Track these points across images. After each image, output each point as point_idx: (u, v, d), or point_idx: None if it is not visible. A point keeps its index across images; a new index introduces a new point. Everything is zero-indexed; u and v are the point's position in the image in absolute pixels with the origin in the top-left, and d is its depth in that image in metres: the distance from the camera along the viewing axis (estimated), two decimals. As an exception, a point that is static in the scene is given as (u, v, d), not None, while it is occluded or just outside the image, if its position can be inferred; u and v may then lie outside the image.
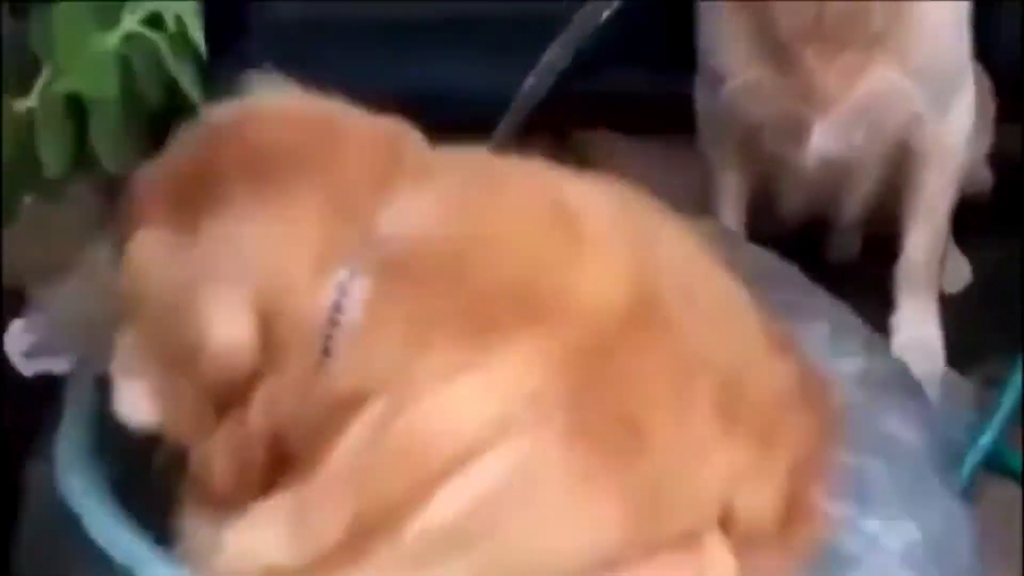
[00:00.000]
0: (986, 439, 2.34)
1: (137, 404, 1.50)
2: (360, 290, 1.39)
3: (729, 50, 2.34)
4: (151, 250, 1.47)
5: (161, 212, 1.47)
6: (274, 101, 1.56)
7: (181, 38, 1.50)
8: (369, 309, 1.37)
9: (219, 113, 1.57)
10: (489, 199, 1.43)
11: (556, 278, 1.38)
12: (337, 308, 1.38)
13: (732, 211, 2.57)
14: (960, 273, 2.77)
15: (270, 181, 1.42)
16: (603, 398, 1.34)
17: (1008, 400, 2.36)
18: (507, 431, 1.33)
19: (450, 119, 3.10)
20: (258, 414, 1.41)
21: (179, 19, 1.50)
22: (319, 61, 3.06)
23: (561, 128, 3.08)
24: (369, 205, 1.41)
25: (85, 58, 1.47)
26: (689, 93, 2.56)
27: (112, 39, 1.48)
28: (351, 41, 3.36)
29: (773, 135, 2.43)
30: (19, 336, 2.31)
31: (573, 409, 1.34)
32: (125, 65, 1.51)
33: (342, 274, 1.39)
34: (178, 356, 1.41)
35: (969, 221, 2.70)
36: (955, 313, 2.63)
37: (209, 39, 3.18)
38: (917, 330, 2.56)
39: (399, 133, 1.51)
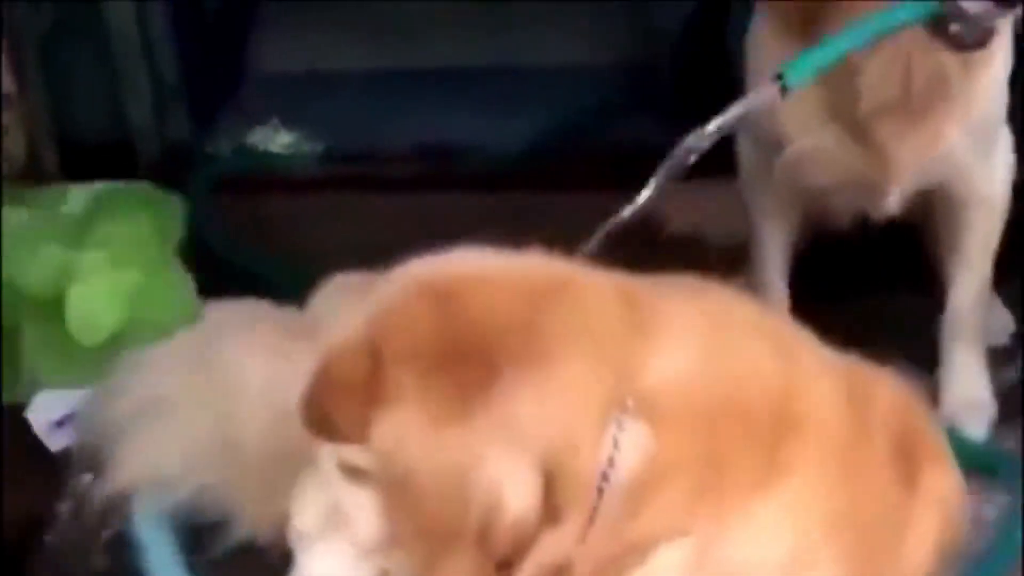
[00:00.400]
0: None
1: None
2: (635, 441, 1.51)
3: (794, 115, 2.27)
4: (409, 430, 1.49)
5: (412, 390, 1.49)
6: (481, 260, 1.61)
7: None
8: (650, 458, 1.51)
9: (427, 274, 1.58)
10: (730, 338, 1.61)
11: (800, 396, 1.61)
12: (611, 461, 1.50)
13: (776, 261, 2.51)
14: (1003, 324, 2.66)
15: (531, 348, 1.49)
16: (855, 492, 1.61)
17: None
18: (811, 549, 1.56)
19: (446, 169, 3.11)
20: (533, 565, 1.50)
21: None
22: (317, 112, 3.19)
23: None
24: (631, 358, 1.53)
25: None
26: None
27: None
28: (349, 91, 3.33)
29: (839, 196, 2.42)
30: (44, 408, 2.30)
31: (847, 516, 1.61)
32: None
33: (614, 428, 1.50)
34: (453, 529, 1.47)
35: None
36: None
37: (209, 91, 3.17)
38: (966, 387, 2.49)
39: (623, 282, 1.62)
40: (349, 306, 1.64)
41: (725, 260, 2.57)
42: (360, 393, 1.50)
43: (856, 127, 2.23)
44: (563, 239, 2.76)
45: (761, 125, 2.32)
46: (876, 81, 2.16)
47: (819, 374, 1.66)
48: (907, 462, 1.74)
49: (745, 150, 2.45)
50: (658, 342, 1.55)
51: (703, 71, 3.10)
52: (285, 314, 2.10)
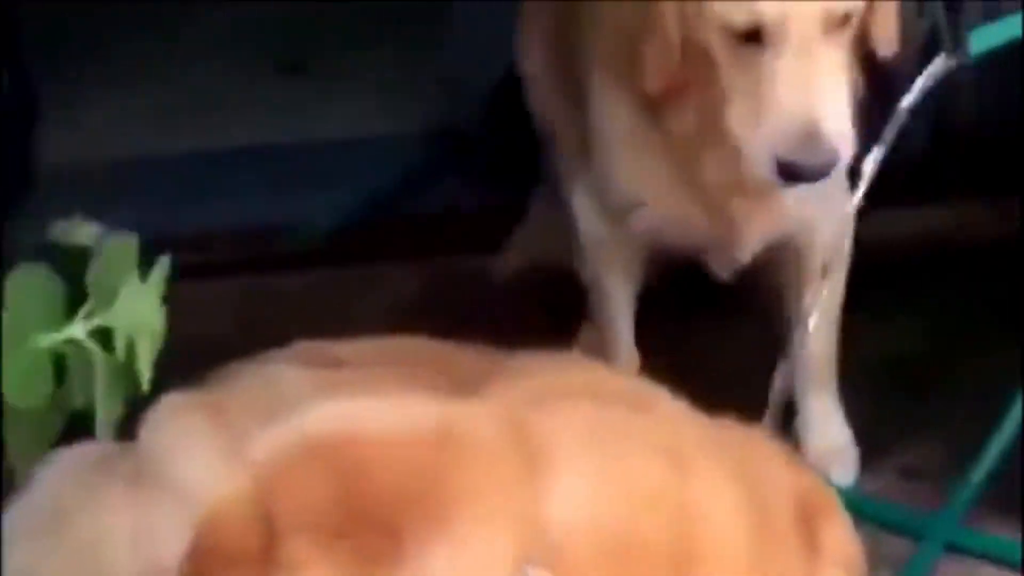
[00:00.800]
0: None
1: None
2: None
3: (646, 183, 2.26)
4: None
5: (311, 563, 1.46)
6: (368, 413, 1.59)
7: (125, 365, 1.30)
8: None
9: (316, 432, 1.55)
10: (622, 456, 1.61)
11: (700, 516, 1.63)
12: None
13: (625, 319, 2.46)
14: None
15: (431, 513, 1.49)
16: None
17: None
18: None
19: (263, 250, 3.01)
20: None
21: (131, 346, 1.34)
22: (122, 201, 3.06)
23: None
24: (530, 505, 1.53)
25: (20, 359, 1.26)
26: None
27: (51, 340, 1.28)
28: (151, 177, 3.22)
29: (689, 253, 2.40)
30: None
31: None
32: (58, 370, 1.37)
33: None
34: None
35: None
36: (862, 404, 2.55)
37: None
38: (828, 436, 2.47)
39: (506, 406, 1.62)
40: (190, 439, 1.60)
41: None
42: (254, 565, 1.46)
43: (706, 197, 2.22)
44: (388, 307, 2.82)
45: (611, 188, 2.29)
46: (718, 163, 2.15)
47: (713, 478, 1.66)
48: (807, 526, 1.74)
49: (585, 210, 2.39)
50: (553, 478, 1.56)
51: (513, 133, 3.04)
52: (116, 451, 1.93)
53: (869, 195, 2.32)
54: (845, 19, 2.01)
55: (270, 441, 1.55)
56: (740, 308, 2.69)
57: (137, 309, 1.30)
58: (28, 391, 1.33)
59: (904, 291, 2.82)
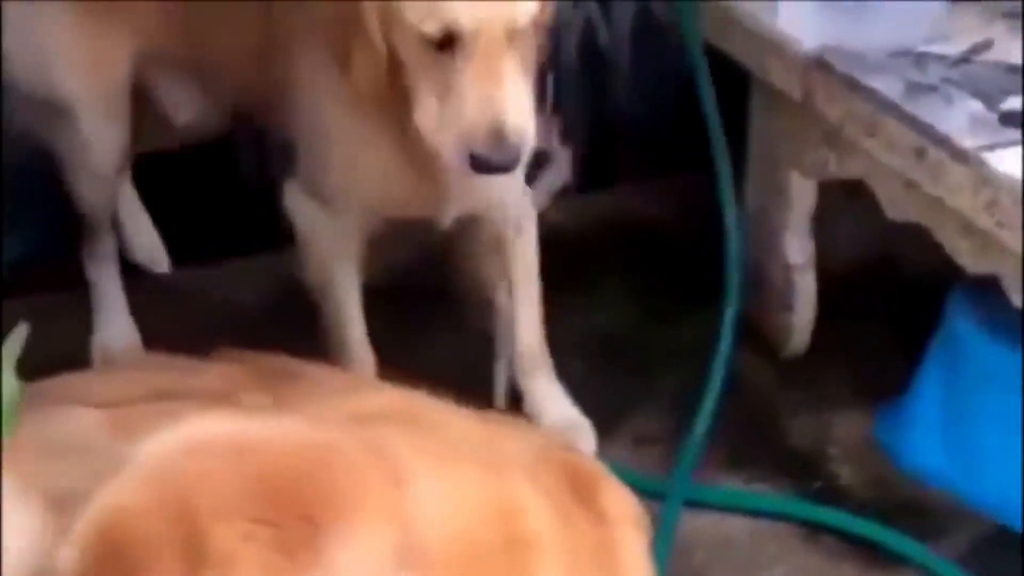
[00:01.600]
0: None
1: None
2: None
3: (367, 170, 2.32)
4: None
5: (242, 543, 1.48)
6: (248, 424, 1.61)
7: None
8: None
9: (209, 433, 1.57)
10: (455, 465, 1.71)
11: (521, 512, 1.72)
12: None
13: (357, 319, 2.50)
14: None
15: (338, 507, 1.53)
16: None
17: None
18: None
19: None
20: None
21: None
22: None
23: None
24: (402, 513, 1.59)
25: None
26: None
27: None
28: None
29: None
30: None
31: None
32: None
33: None
34: None
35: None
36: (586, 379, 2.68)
37: None
38: (560, 412, 2.59)
39: (364, 433, 1.66)
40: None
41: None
42: (177, 562, 1.45)
43: (424, 172, 2.29)
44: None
45: (329, 178, 2.35)
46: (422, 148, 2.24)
47: (512, 472, 1.75)
48: (586, 497, 1.83)
49: (301, 209, 2.41)
50: (411, 486, 1.61)
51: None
52: None
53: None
54: (524, 28, 2.13)
55: (162, 445, 1.54)
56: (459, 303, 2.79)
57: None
58: None
59: (598, 272, 2.96)
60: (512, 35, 2.10)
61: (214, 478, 1.51)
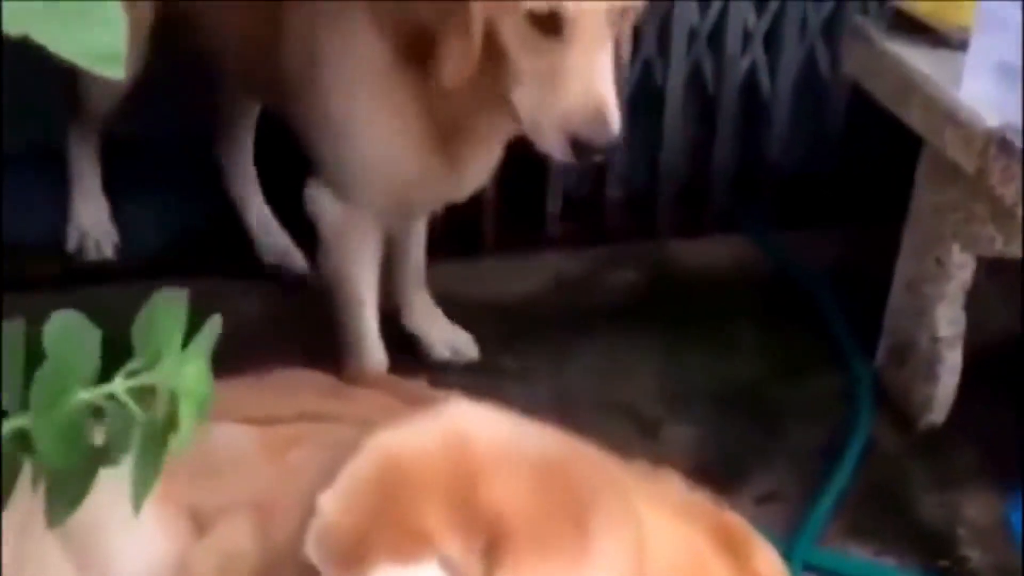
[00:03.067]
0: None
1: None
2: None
3: (405, 157, 2.35)
4: None
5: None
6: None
7: (164, 427, 1.22)
8: None
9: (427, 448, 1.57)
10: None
11: None
12: None
13: (373, 315, 2.55)
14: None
15: (577, 529, 1.53)
16: None
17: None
18: None
19: None
20: None
21: (172, 400, 1.21)
22: None
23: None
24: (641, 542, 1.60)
25: (56, 416, 1.17)
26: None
27: (90, 395, 1.18)
28: None
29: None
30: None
31: None
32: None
33: None
34: None
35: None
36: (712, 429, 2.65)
37: None
38: (438, 323, 2.79)
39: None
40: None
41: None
42: (453, 502, 1.50)
43: (445, 153, 2.34)
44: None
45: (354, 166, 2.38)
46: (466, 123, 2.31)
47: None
48: (735, 559, 1.79)
49: (326, 205, 2.42)
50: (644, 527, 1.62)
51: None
52: None
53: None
54: (623, 14, 2.17)
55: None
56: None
57: (183, 370, 1.24)
58: (64, 449, 1.25)
59: (732, 318, 2.94)
60: (611, 22, 2.13)
61: (495, 445, 1.53)
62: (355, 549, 1.51)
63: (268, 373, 2.02)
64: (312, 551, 1.53)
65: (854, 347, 2.82)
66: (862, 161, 3.23)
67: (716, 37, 3.11)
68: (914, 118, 2.51)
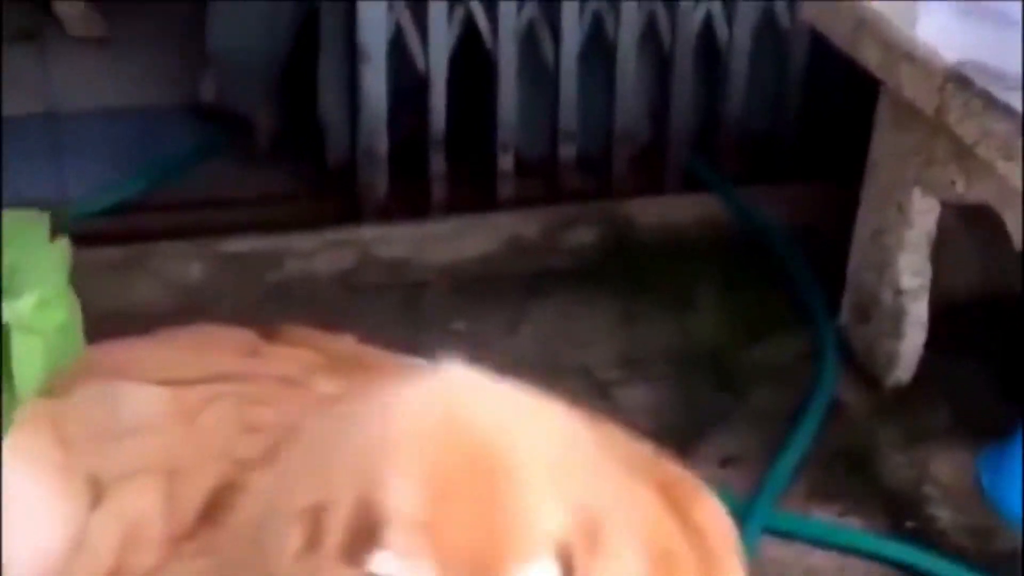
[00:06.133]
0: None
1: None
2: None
3: None
4: None
5: None
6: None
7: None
8: None
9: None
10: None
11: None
12: None
13: None
14: None
15: None
16: None
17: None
18: None
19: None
20: None
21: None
22: None
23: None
24: None
25: None
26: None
27: None
28: None
29: None
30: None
31: None
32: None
33: None
34: None
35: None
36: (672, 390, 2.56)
37: None
38: None
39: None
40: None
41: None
42: None
43: None
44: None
45: None
46: None
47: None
48: (682, 511, 1.71)
49: None
50: None
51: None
52: None
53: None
54: None
55: None
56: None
57: (45, 281, 1.15)
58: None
59: (694, 278, 2.83)
60: None
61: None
62: (485, 562, 1.40)
63: (182, 330, 1.92)
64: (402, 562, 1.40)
65: (819, 304, 2.71)
66: (824, 116, 3.12)
67: (668, -14, 3.01)
68: (871, 59, 2.39)
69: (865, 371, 2.58)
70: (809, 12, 2.61)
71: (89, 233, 2.71)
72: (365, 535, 1.38)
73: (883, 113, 2.50)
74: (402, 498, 1.39)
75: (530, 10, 2.92)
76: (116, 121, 3.20)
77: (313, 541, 1.39)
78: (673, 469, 1.80)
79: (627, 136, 3.07)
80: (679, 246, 2.92)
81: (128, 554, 1.64)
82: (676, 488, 1.74)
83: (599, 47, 3.00)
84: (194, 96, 3.24)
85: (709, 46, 3.07)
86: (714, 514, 1.75)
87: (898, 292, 2.50)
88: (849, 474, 2.41)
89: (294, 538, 1.40)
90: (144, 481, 1.67)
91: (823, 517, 2.33)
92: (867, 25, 2.40)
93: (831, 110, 3.10)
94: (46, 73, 3.33)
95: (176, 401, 1.74)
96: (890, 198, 2.49)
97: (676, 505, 1.71)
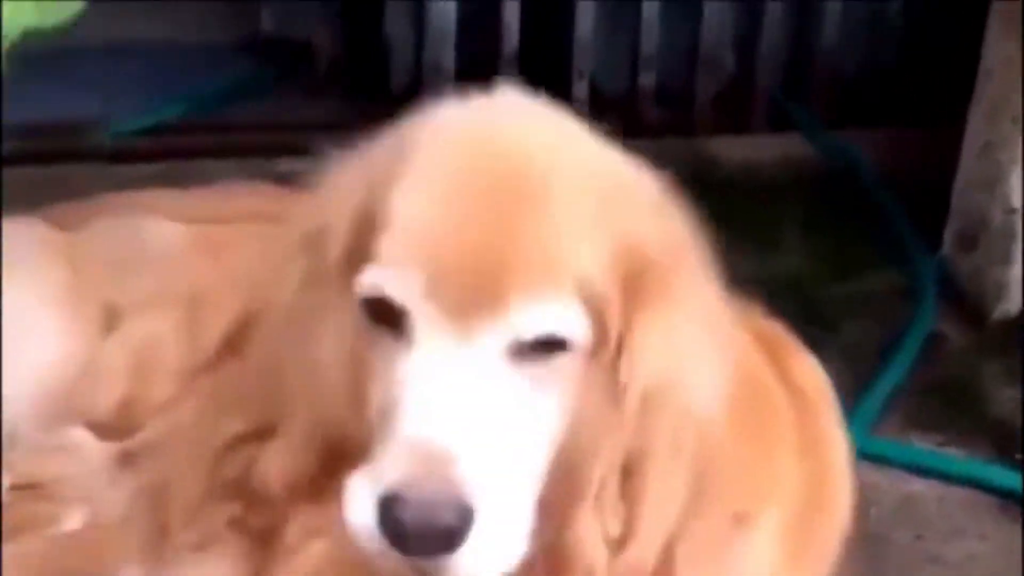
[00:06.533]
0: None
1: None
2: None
3: None
4: None
5: None
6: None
7: None
8: None
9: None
10: None
11: None
12: None
13: None
14: None
15: None
16: None
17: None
18: None
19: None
20: None
21: None
22: None
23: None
24: None
25: None
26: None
27: None
28: None
29: None
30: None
31: None
32: None
33: None
34: None
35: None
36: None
37: None
38: None
39: None
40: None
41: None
42: None
43: None
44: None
45: None
46: None
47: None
48: (781, 366, 1.59)
49: None
50: None
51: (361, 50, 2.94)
52: None
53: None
54: None
55: None
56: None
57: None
58: None
59: (787, 215, 2.64)
60: None
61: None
62: (486, 286, 1.21)
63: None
64: (416, 297, 1.21)
65: (916, 242, 2.52)
66: (926, 55, 2.92)
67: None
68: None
69: (968, 304, 2.38)
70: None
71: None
72: (363, 250, 1.21)
73: (996, 18, 2.30)
74: (404, 202, 1.22)
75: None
76: (170, 55, 3.10)
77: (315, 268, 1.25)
78: (771, 323, 1.66)
79: (711, 66, 2.88)
80: (764, 186, 2.73)
81: (140, 382, 1.48)
82: (773, 340, 1.60)
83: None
84: (255, 33, 3.11)
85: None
86: (812, 370, 1.62)
87: (1009, 211, 2.29)
88: (950, 406, 2.21)
89: (297, 268, 1.26)
90: (162, 309, 1.51)
91: (925, 446, 2.13)
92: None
93: (934, 48, 2.90)
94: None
95: (201, 237, 1.61)
96: (1003, 111, 2.28)
97: (773, 356, 1.57)
